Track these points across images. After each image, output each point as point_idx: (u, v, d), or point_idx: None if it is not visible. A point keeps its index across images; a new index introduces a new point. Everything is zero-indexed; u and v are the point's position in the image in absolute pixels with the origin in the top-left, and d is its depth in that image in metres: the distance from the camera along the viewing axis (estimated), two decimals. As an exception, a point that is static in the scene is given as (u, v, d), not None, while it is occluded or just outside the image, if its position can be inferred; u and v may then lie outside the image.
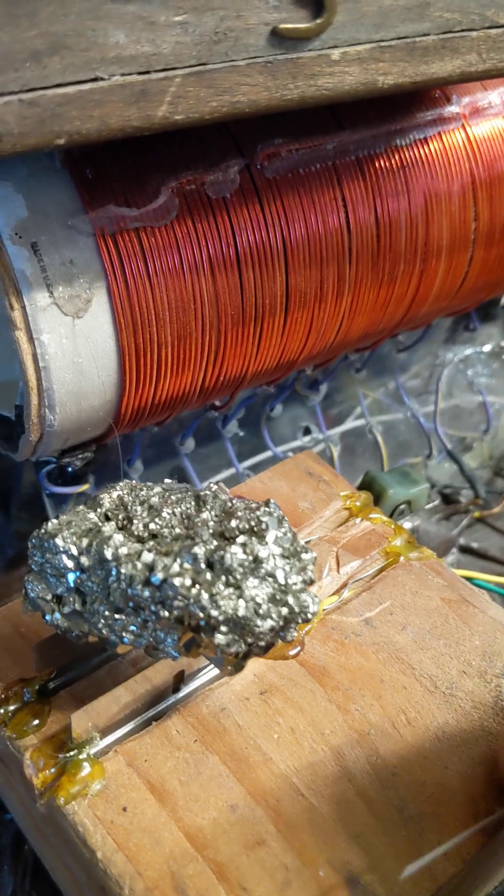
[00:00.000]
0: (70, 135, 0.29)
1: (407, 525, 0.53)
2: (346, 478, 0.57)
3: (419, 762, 0.36)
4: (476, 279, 0.50)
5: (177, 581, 0.31)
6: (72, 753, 0.35)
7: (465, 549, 0.57)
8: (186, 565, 0.31)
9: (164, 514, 0.34)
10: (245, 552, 0.32)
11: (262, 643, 0.32)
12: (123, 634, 0.32)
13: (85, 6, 0.28)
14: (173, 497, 0.35)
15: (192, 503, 0.34)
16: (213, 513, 0.34)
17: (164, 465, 0.52)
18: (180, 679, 0.37)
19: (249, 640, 0.32)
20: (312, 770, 0.35)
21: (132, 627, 0.32)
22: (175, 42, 0.30)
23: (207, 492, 0.35)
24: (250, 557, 0.32)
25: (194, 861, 0.32)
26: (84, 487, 0.47)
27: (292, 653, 0.39)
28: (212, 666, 0.38)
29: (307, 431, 0.57)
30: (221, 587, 0.31)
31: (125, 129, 0.30)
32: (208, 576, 0.31)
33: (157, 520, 0.33)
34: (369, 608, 0.42)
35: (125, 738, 0.36)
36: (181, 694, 0.37)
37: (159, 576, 0.31)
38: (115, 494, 0.35)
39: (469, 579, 0.52)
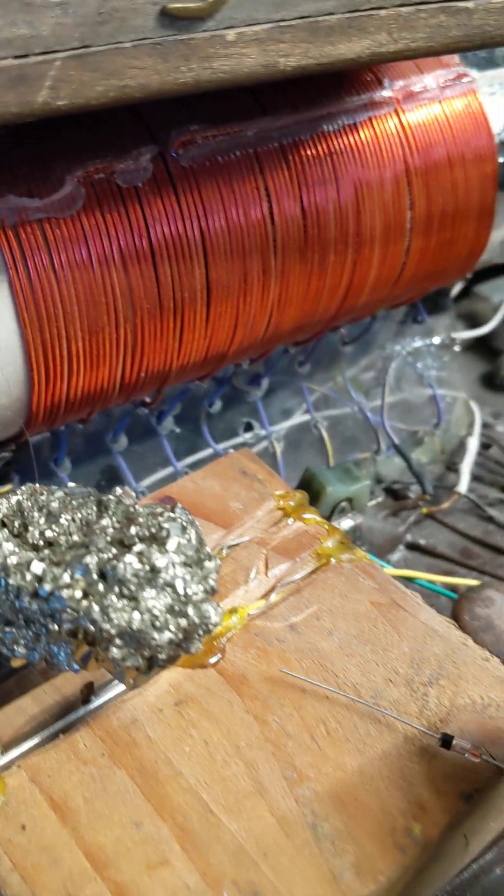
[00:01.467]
0: None
1: (350, 523, 0.52)
2: (289, 475, 0.56)
3: (336, 776, 0.34)
4: (416, 268, 0.48)
5: (65, 593, 0.29)
6: (-28, 770, 0.33)
7: (412, 546, 0.56)
8: (77, 576, 0.29)
9: (61, 521, 0.32)
10: (141, 561, 0.30)
11: (163, 656, 0.31)
12: (15, 648, 0.31)
13: (-47, -15, 0.27)
14: (74, 502, 0.33)
15: (94, 509, 0.33)
16: (114, 519, 0.32)
17: (95, 464, 0.50)
18: (90, 690, 0.36)
19: (147, 654, 0.30)
20: (224, 785, 0.34)
21: (23, 641, 0.30)
22: (55, 24, 0.28)
23: (111, 497, 0.33)
24: (146, 567, 0.30)
25: (93, 882, 0.31)
26: (6, 488, 0.45)
27: (212, 661, 0.38)
28: (124, 676, 0.36)
29: (249, 427, 0.56)
30: (114, 599, 0.29)
31: (4, 116, 0.29)
32: (101, 587, 0.30)
33: (54, 526, 0.32)
34: (296, 613, 0.40)
35: (30, 752, 0.34)
36: (92, 706, 0.36)
37: (47, 588, 0.29)
38: (13, 499, 0.33)
39: (411, 579, 0.51)
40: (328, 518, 0.52)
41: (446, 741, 0.34)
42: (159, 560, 0.30)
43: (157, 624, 0.30)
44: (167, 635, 0.30)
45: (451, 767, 0.35)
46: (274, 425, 0.56)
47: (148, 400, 0.47)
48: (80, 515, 0.32)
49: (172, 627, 0.30)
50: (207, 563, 0.32)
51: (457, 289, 0.63)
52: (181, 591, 0.30)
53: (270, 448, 0.56)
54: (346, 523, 0.52)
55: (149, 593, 0.30)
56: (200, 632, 0.31)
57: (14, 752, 0.34)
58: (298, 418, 0.58)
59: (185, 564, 0.31)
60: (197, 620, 0.31)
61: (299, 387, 0.57)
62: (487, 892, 0.41)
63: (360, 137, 0.44)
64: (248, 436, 0.56)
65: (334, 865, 0.32)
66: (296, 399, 0.58)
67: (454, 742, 0.34)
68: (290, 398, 0.58)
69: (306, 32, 0.32)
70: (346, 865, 0.32)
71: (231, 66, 0.31)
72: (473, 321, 0.72)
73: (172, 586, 0.30)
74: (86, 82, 0.29)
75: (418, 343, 0.58)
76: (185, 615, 0.30)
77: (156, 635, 0.30)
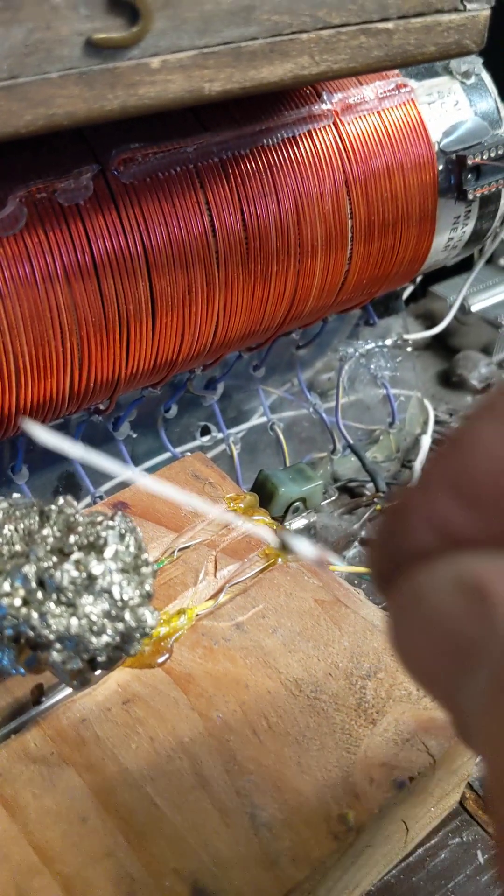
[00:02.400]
0: None
1: (304, 522, 0.53)
2: (247, 476, 0.57)
3: (276, 768, 0.36)
4: (360, 275, 0.50)
5: (4, 601, 0.30)
6: None
7: (366, 542, 0.57)
8: (17, 584, 0.31)
9: (4, 532, 0.33)
10: (78, 569, 0.31)
11: (103, 658, 0.32)
12: (-40, 654, 0.32)
13: None
14: (17, 513, 0.34)
15: (36, 519, 0.34)
16: (55, 528, 0.34)
17: (53, 471, 0.51)
18: (41, 692, 0.37)
19: (87, 657, 0.32)
20: (168, 779, 0.35)
21: (-33, 647, 0.32)
22: (-18, 56, 0.29)
23: (53, 506, 0.35)
24: (83, 574, 0.31)
25: (41, 875, 0.32)
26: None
27: (160, 660, 0.40)
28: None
29: (206, 431, 0.57)
30: (52, 606, 0.31)
31: None
32: (39, 595, 0.31)
33: (-3, 537, 0.33)
34: (242, 612, 0.42)
35: (-18, 754, 0.36)
36: (42, 706, 0.37)
37: (-13, 596, 0.31)
38: (-41, 512, 0.35)
39: (362, 575, 0.53)
40: (282, 518, 0.54)
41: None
42: (96, 567, 0.32)
43: (95, 628, 0.31)
44: (105, 639, 0.32)
45: (384, 757, 0.36)
46: (231, 428, 0.58)
47: (102, 407, 0.48)
48: (22, 526, 0.34)
49: (110, 631, 0.32)
50: (144, 569, 0.33)
51: (411, 289, 0.64)
52: (117, 597, 0.32)
53: (228, 450, 0.57)
54: (299, 522, 0.53)
55: (86, 599, 0.31)
56: (138, 635, 0.32)
57: (-33, 753, 0.36)
58: (255, 420, 0.59)
59: (123, 571, 0.32)
60: (134, 624, 0.32)
61: (255, 390, 0.59)
62: (433, 875, 0.43)
63: (299, 150, 0.45)
64: (205, 439, 0.57)
65: (271, 852, 0.33)
66: (252, 402, 0.59)
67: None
68: (247, 401, 0.59)
69: (230, 58, 0.33)
70: (282, 851, 0.33)
71: (156, 92, 0.32)
72: (431, 320, 0.74)
73: (109, 592, 0.32)
74: (14, 112, 0.31)
75: (370, 345, 0.60)
76: (122, 619, 0.32)
77: (94, 639, 0.31)
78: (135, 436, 0.53)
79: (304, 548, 0.25)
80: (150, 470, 0.55)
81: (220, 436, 0.57)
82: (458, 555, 0.18)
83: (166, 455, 0.55)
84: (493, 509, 0.18)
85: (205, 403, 0.56)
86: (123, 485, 0.54)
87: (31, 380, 0.40)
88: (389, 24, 0.36)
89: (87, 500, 0.52)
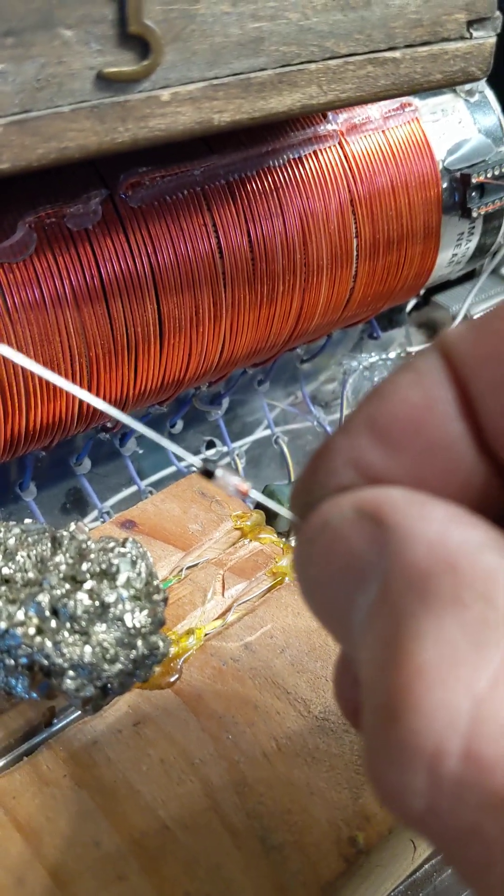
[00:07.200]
0: None
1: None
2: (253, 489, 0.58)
3: (286, 790, 0.36)
4: (365, 292, 0.50)
5: (19, 630, 0.31)
6: None
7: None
8: (31, 613, 0.31)
9: (17, 558, 0.34)
10: (91, 598, 0.32)
11: (115, 685, 0.33)
12: (-26, 681, 0.33)
13: None
14: (30, 539, 0.35)
15: (48, 545, 0.35)
16: (67, 555, 0.34)
17: (60, 487, 0.52)
18: (53, 714, 0.38)
19: (99, 684, 0.32)
20: (179, 802, 0.36)
21: (-19, 675, 0.32)
22: (-5, 91, 0.30)
23: (65, 532, 0.35)
24: (96, 603, 0.32)
25: (55, 899, 0.33)
26: (-27, 516, 0.47)
27: (171, 679, 0.40)
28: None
29: (211, 445, 0.58)
30: (66, 634, 0.31)
31: None
32: (53, 623, 0.31)
33: (10, 564, 0.34)
34: (250, 632, 0.42)
35: (-5, 776, 0.36)
36: (54, 728, 0.38)
37: (2, 625, 0.31)
38: (-27, 538, 0.35)
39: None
40: (289, 533, 0.54)
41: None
42: (109, 596, 0.32)
43: (108, 656, 0.32)
44: (118, 666, 0.32)
45: (393, 779, 0.37)
46: (235, 442, 0.58)
47: (109, 425, 0.49)
48: (35, 552, 0.34)
49: (122, 659, 0.32)
50: (156, 596, 0.33)
51: (414, 301, 0.65)
52: (130, 625, 0.32)
53: (233, 464, 0.57)
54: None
55: (99, 628, 0.32)
56: (149, 662, 0.33)
57: (-20, 776, 0.36)
58: (259, 434, 0.59)
59: (135, 598, 0.33)
60: (146, 651, 0.32)
61: (259, 403, 0.59)
62: (440, 891, 0.43)
63: (304, 170, 0.45)
64: (210, 453, 0.57)
65: (282, 874, 0.34)
66: (256, 415, 0.60)
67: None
68: (251, 414, 0.59)
69: (239, 89, 0.33)
70: (293, 874, 0.34)
71: (167, 124, 0.33)
72: (433, 329, 0.74)
73: (122, 620, 0.32)
74: (27, 146, 0.31)
75: (374, 358, 0.60)
76: (135, 647, 0.32)
77: (107, 667, 0.32)
78: (140, 451, 0.53)
79: (227, 476, 0.26)
80: (157, 485, 0.55)
81: (225, 449, 0.57)
82: (365, 488, 0.20)
83: (171, 469, 0.56)
84: (403, 447, 0.20)
85: (210, 419, 0.56)
86: (130, 501, 0.54)
87: (40, 401, 0.40)
88: (396, 54, 0.36)
89: (94, 514, 0.53)
